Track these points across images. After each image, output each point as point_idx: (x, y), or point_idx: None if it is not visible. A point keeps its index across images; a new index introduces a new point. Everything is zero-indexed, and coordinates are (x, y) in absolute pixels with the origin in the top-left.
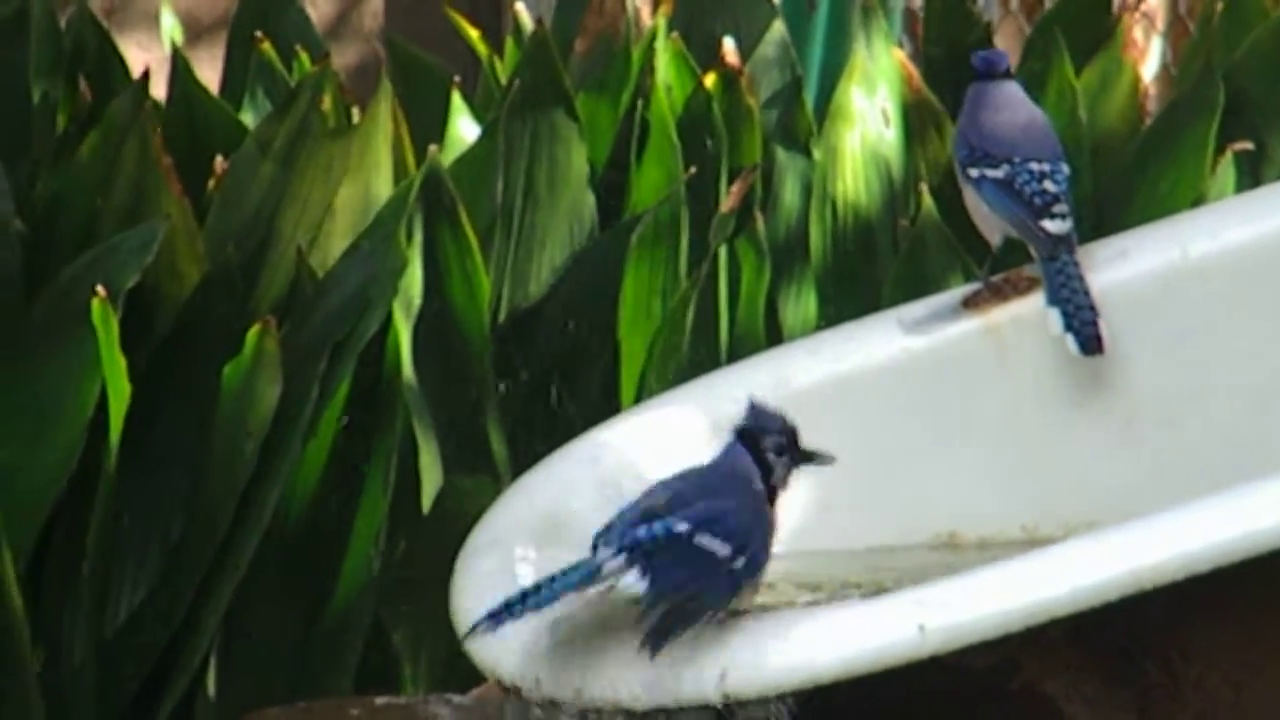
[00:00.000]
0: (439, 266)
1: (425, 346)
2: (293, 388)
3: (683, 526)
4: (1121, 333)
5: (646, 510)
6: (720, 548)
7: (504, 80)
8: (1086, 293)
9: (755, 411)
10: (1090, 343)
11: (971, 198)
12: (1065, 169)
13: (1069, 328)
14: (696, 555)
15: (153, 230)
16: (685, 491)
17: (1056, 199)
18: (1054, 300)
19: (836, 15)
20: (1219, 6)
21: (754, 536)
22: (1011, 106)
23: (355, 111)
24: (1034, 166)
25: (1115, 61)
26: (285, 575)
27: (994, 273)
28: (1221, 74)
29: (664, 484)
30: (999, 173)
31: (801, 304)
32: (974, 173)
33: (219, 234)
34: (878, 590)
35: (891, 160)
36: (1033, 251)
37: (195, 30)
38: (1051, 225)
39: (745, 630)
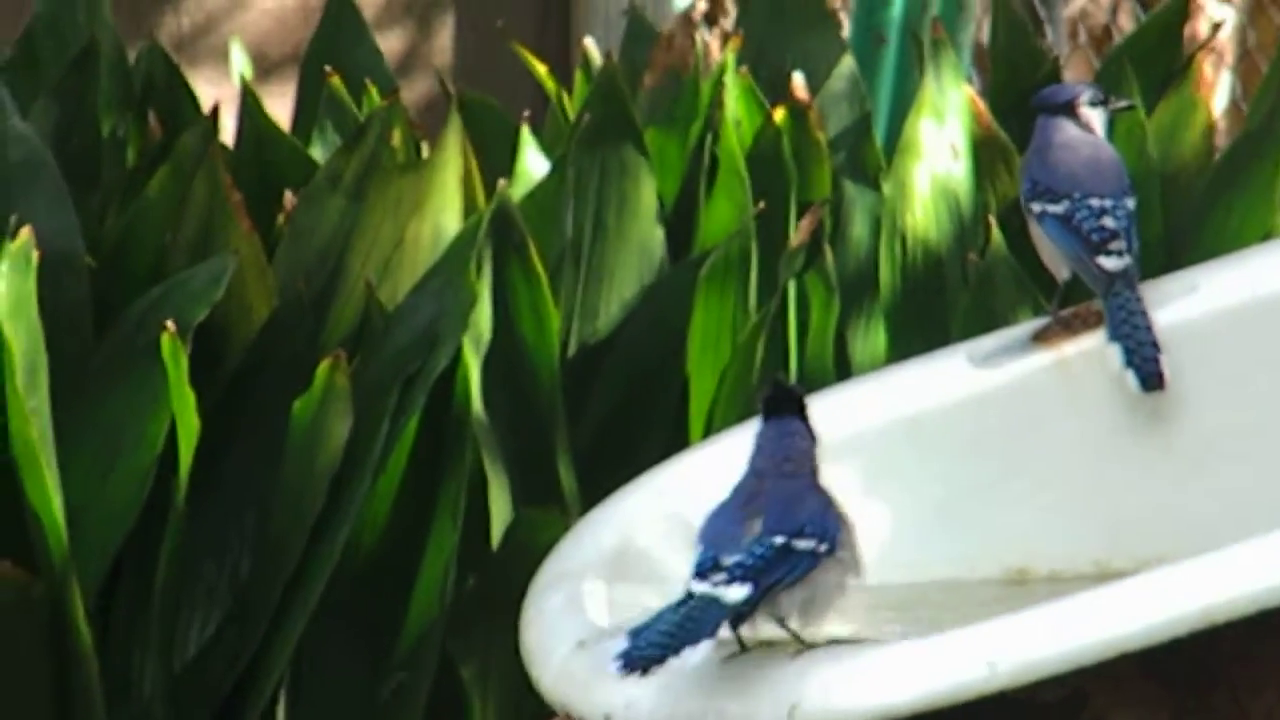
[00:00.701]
0: (508, 301)
1: (494, 381)
2: (363, 423)
3: (780, 539)
4: (1193, 366)
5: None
6: (814, 545)
7: (572, 115)
8: (1149, 328)
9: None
10: (1151, 379)
11: (1036, 232)
12: (1129, 204)
13: (1129, 364)
14: (793, 555)
15: (222, 265)
16: (767, 503)
17: (1114, 235)
18: (1115, 336)
19: (905, 50)
20: None
21: (829, 519)
22: (1075, 141)
23: (424, 146)
24: (1094, 202)
25: (1189, 99)
26: (355, 610)
27: (1063, 307)
28: None
29: (743, 500)
30: (1059, 208)
31: (871, 338)
32: (1036, 208)
33: (288, 269)
34: (948, 624)
35: (960, 195)
36: (1091, 287)
37: (265, 65)
38: (1107, 262)
39: (814, 665)
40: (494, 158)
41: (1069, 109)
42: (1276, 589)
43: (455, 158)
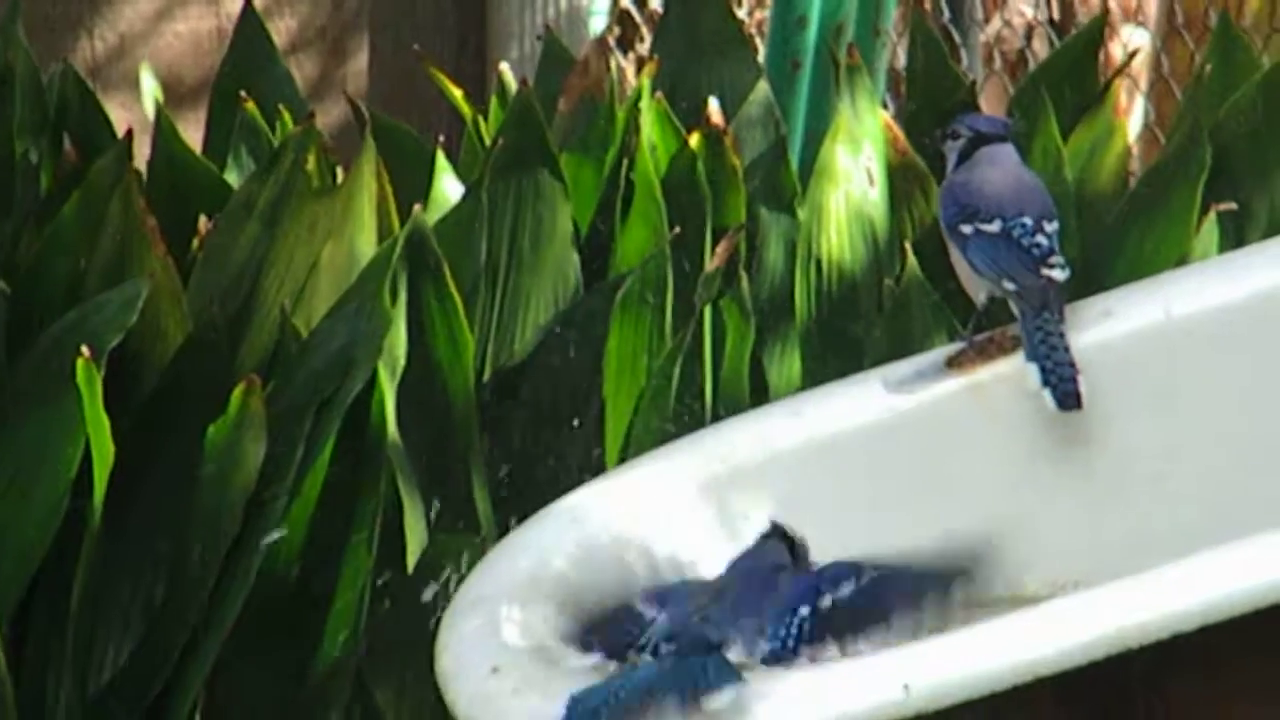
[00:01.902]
0: (423, 326)
1: (409, 406)
2: (278, 447)
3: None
4: (1107, 391)
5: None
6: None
7: (488, 140)
8: (1066, 349)
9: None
10: (1067, 399)
11: (956, 257)
12: (1053, 227)
13: (1046, 383)
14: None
15: (136, 289)
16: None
17: (1053, 250)
18: (1032, 356)
19: (821, 75)
20: (1208, 68)
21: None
22: (1002, 165)
23: (339, 171)
24: (1026, 221)
25: (1104, 124)
26: (269, 634)
27: (978, 332)
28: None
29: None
30: (993, 227)
31: (786, 363)
32: (966, 229)
33: (203, 293)
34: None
35: (876, 219)
36: (1016, 310)
37: (180, 90)
38: (1054, 272)
39: None
40: (408, 182)
41: (1004, 136)
42: (1190, 613)
43: (370, 182)
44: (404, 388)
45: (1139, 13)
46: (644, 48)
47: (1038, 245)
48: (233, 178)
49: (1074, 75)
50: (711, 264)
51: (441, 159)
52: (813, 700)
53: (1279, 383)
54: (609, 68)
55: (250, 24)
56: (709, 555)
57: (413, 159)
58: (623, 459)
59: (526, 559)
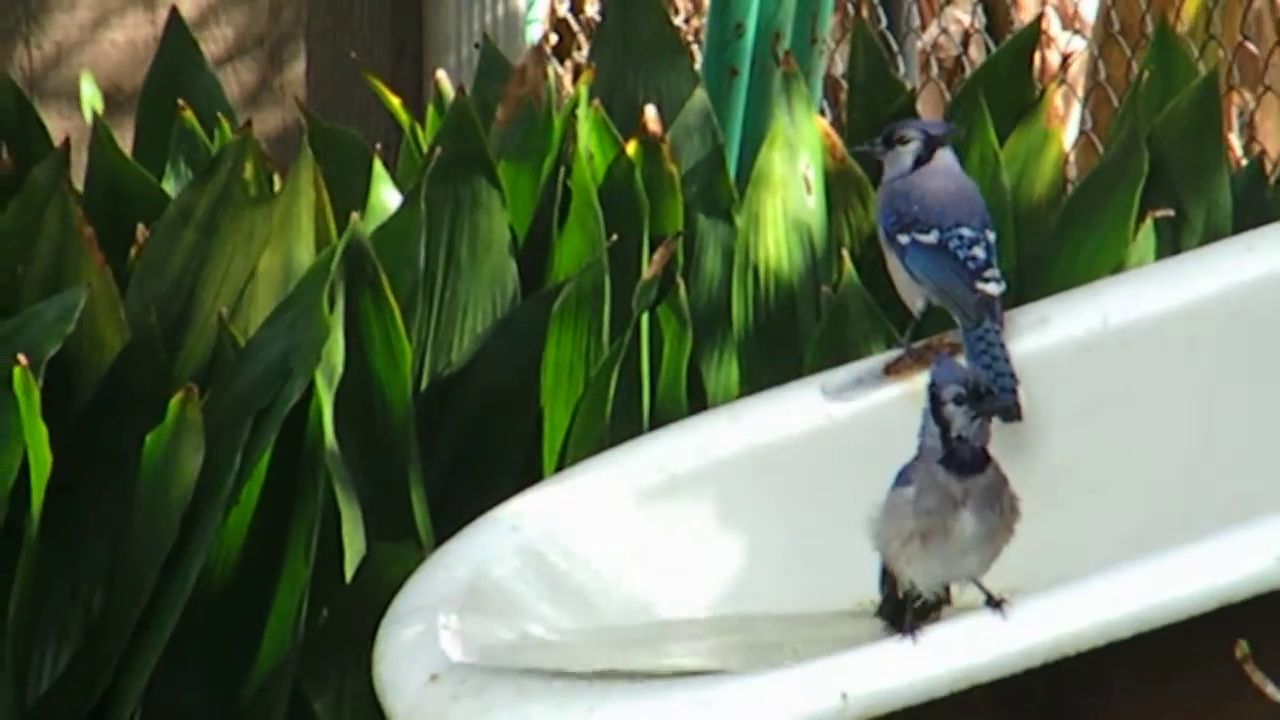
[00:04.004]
0: (361, 334)
1: (347, 414)
2: (215, 456)
3: None
4: (1044, 398)
5: None
6: None
7: (426, 148)
8: (1007, 359)
9: (936, 366)
10: (1009, 410)
11: (893, 264)
12: (991, 237)
13: None
14: None
15: (74, 298)
16: None
17: (989, 263)
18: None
19: (758, 82)
20: (1146, 74)
21: None
22: (941, 173)
23: (277, 179)
24: (965, 232)
25: (1040, 130)
26: (208, 643)
27: (916, 339)
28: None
29: None
30: (930, 237)
31: (724, 371)
32: (903, 238)
33: (141, 302)
34: (802, 655)
35: (813, 227)
36: (956, 318)
37: (117, 99)
38: (989, 286)
39: (666, 696)
40: (348, 190)
41: (938, 143)
42: (1125, 621)
43: (307, 190)
44: (341, 396)
45: (1076, 20)
46: (581, 55)
47: (974, 258)
48: (170, 186)
49: (1010, 82)
50: (649, 272)
51: (379, 167)
52: (751, 708)
53: (1215, 390)
54: (546, 75)
55: (178, 32)
56: (647, 561)
57: (351, 165)
58: (560, 467)
59: (465, 567)
